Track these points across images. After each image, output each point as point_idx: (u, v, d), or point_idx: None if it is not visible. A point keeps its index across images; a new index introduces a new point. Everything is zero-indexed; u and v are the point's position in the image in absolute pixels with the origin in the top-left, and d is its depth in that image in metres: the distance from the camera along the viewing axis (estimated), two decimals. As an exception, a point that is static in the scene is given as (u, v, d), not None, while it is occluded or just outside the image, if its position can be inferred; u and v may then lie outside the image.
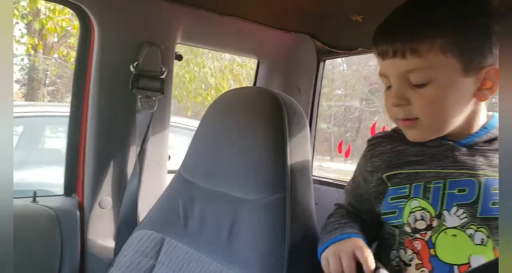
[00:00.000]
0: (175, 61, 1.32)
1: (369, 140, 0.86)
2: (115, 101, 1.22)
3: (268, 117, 0.88)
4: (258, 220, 0.83)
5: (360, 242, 0.73)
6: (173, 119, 2.55)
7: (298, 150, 0.88)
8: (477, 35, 0.67)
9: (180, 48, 1.35)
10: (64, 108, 3.04)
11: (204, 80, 6.76)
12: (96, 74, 1.19)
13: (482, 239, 0.68)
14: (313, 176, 1.62)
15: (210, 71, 6.73)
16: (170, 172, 1.35)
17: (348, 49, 1.54)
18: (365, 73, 9.19)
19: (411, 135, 0.75)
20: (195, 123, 2.91)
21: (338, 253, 0.72)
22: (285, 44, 1.55)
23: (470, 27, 0.67)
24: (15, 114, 2.60)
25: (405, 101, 0.72)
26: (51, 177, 2.47)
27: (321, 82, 1.67)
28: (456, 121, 0.72)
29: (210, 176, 0.97)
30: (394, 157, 0.79)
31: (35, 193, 1.22)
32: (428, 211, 0.72)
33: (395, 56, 0.70)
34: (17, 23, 6.65)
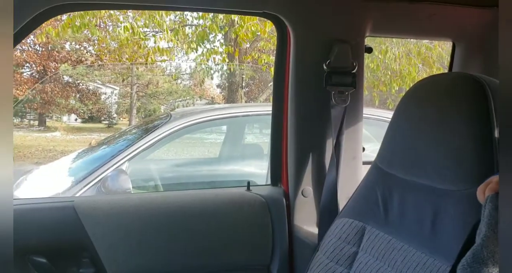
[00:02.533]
0: (365, 54, 1.35)
1: None
2: (311, 98, 1.32)
3: (470, 104, 0.84)
4: (463, 212, 0.80)
5: None
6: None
7: None
8: None
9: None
10: (257, 108, 3.37)
11: (389, 67, 6.52)
12: (293, 74, 1.31)
13: None
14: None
15: (393, 57, 6.44)
16: (365, 163, 1.39)
17: None
18: None
19: None
20: (383, 114, 2.86)
21: None
22: (485, 21, 1.41)
23: None
24: (220, 116, 2.99)
25: None
26: (256, 168, 2.79)
27: (533, 58, 1.45)
28: None
29: (408, 167, 0.96)
30: None
31: (248, 183, 1.41)
32: None
33: None
34: (216, 35, 7.59)
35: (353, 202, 1.11)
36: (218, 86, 19.10)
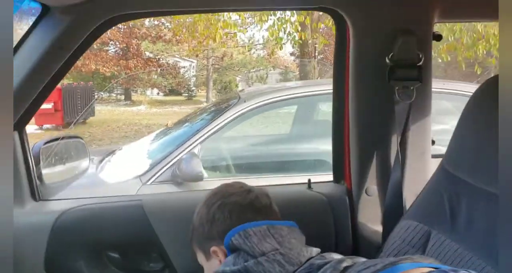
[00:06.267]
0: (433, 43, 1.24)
1: None
2: (373, 94, 1.25)
3: None
4: None
5: None
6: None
7: None
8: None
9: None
10: (329, 86, 3.24)
11: (474, 29, 5.90)
12: (354, 70, 1.25)
13: None
14: None
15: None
16: (434, 156, 1.31)
17: None
18: None
19: None
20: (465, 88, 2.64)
21: None
22: None
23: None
24: (292, 96, 2.94)
25: None
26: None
27: None
28: None
29: (476, 171, 0.89)
30: None
31: (309, 180, 1.39)
32: None
33: None
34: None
35: (419, 204, 1.06)
36: (292, 54, 18.89)
